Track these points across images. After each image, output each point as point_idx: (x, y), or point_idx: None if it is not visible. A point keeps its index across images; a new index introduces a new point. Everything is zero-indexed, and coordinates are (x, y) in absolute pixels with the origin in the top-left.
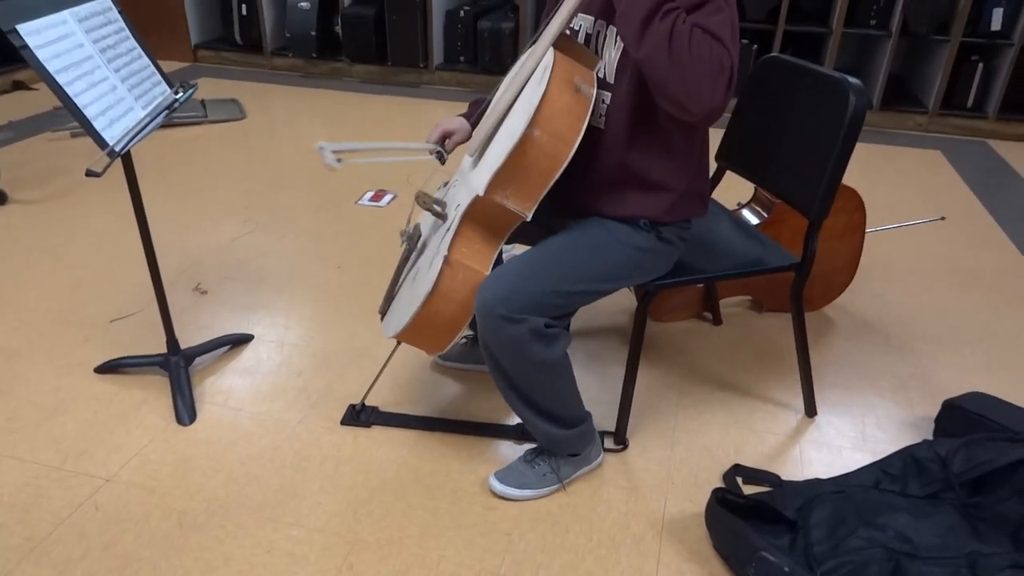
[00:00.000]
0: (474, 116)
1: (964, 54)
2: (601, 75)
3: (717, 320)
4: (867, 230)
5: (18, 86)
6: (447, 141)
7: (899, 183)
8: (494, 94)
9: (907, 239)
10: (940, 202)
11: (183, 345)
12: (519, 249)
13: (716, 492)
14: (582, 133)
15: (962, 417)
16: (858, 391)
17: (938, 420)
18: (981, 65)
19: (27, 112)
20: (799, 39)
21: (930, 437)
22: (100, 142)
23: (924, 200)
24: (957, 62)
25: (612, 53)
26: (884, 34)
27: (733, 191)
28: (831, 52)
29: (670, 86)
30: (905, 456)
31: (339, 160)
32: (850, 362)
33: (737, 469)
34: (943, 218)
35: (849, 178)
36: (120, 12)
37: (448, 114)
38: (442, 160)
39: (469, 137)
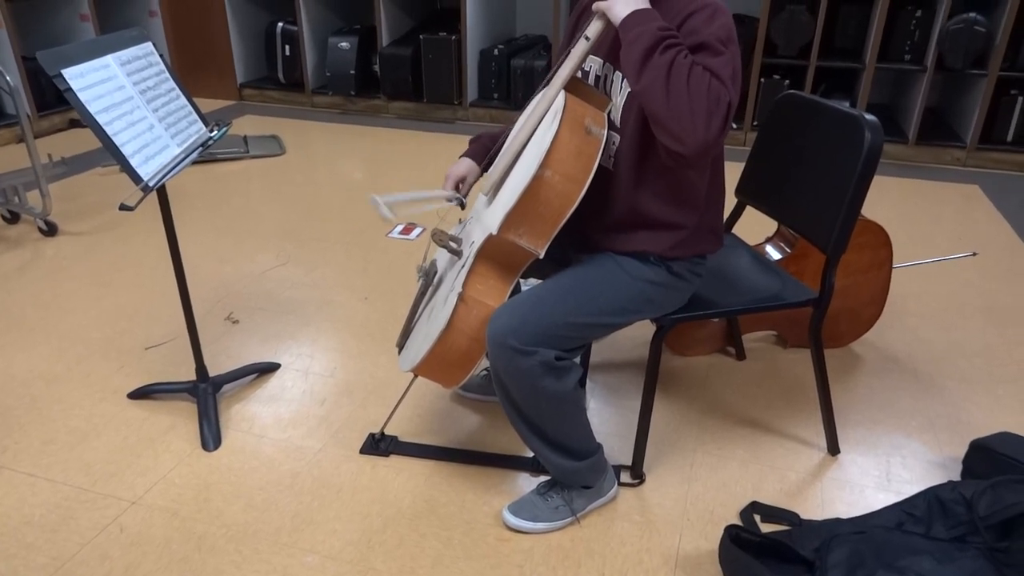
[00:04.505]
0: (479, 154)
1: (1003, 88)
2: (611, 117)
3: (740, 355)
4: (896, 265)
5: (74, 124)
6: (461, 186)
7: (935, 218)
8: (500, 129)
9: (941, 275)
10: (976, 237)
11: (213, 372)
12: (535, 283)
13: (729, 529)
14: (593, 173)
15: (990, 458)
16: (884, 430)
17: (965, 461)
18: (1021, 99)
19: (80, 149)
20: (832, 75)
21: (957, 478)
22: (135, 177)
23: (960, 235)
24: (995, 96)
25: (618, 97)
26: (919, 69)
27: (760, 226)
28: (864, 87)
29: (666, 118)
30: (929, 497)
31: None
32: (877, 400)
33: (755, 506)
34: (975, 254)
35: (883, 213)
36: (160, 56)
37: None
38: (462, 206)
39: (480, 175)
